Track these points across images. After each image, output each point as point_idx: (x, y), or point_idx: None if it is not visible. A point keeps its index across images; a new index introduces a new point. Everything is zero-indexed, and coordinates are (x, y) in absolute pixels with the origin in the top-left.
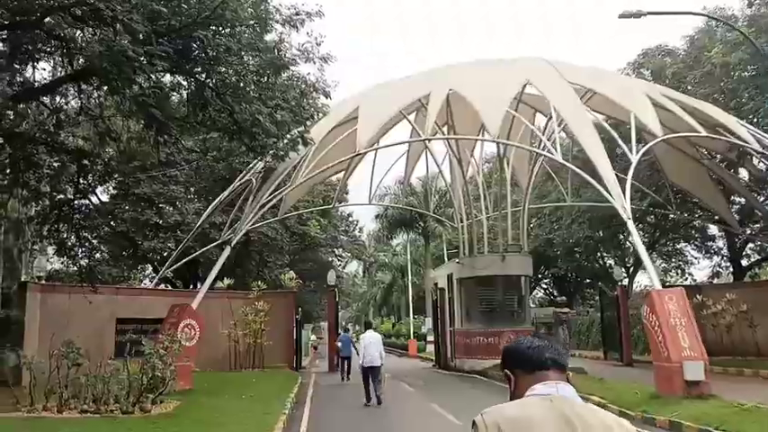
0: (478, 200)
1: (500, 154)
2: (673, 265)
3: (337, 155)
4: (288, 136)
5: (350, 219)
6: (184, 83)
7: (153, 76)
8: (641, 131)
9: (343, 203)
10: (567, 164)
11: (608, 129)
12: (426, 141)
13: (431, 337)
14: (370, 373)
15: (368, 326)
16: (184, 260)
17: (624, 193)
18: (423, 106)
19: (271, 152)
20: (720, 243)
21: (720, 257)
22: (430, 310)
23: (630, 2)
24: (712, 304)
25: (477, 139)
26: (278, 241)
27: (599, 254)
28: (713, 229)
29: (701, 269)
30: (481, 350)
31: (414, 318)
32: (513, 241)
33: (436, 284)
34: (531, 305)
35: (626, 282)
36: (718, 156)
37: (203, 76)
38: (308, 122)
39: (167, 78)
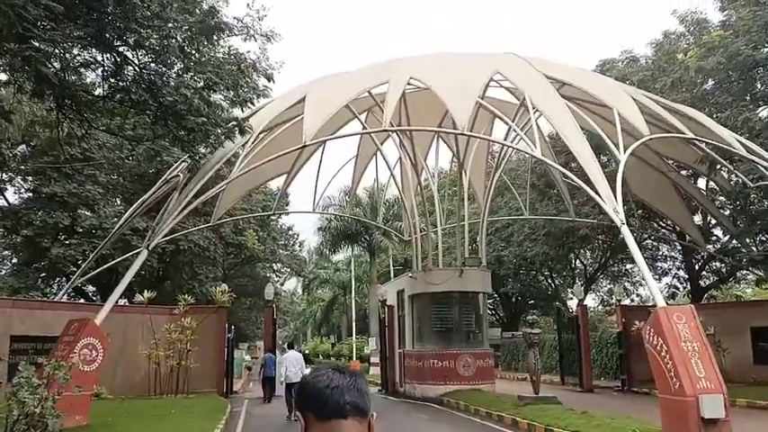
0: (432, 211)
1: (460, 156)
2: (619, 286)
3: (279, 151)
4: (222, 123)
5: (290, 232)
6: (99, 58)
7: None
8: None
9: (284, 211)
10: (547, 160)
11: (592, 124)
12: (378, 142)
13: (375, 359)
14: (292, 388)
15: (290, 346)
16: (99, 269)
17: (615, 195)
18: (377, 104)
19: (201, 143)
20: (671, 263)
21: (672, 277)
22: (375, 330)
23: (594, 11)
24: None
25: (445, 132)
26: (211, 252)
27: (548, 273)
28: (663, 249)
29: (647, 290)
30: (435, 375)
31: (357, 338)
32: (471, 254)
33: (384, 301)
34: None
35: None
36: (683, 170)
37: (123, 48)
38: (248, 107)
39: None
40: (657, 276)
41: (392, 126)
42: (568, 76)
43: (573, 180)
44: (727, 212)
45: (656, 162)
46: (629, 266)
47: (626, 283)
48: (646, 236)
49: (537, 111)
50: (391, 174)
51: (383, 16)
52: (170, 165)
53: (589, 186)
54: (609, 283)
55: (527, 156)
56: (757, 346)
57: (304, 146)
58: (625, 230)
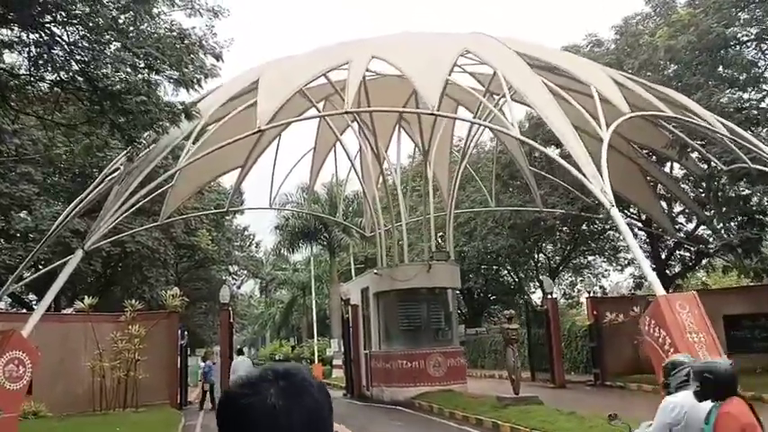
0: (396, 204)
1: (424, 145)
2: (582, 278)
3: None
4: (166, 106)
5: (245, 233)
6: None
7: None
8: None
9: (239, 208)
10: (528, 140)
11: (571, 101)
12: (338, 132)
13: (338, 361)
14: None
15: (239, 352)
16: (35, 275)
17: (601, 175)
18: (336, 91)
19: (143, 129)
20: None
21: (636, 267)
22: (337, 331)
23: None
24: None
25: (412, 112)
26: (161, 254)
27: (510, 268)
28: (623, 241)
29: (610, 282)
30: (404, 376)
31: (318, 340)
32: (437, 248)
33: (347, 301)
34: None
35: (538, 297)
36: (653, 155)
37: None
38: (195, 90)
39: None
40: (620, 267)
41: (355, 108)
42: (541, 53)
43: (555, 160)
44: (693, 198)
45: (625, 148)
46: (590, 258)
47: (588, 276)
48: (608, 226)
49: (511, 88)
50: (352, 164)
51: (367, 11)
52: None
53: (558, 171)
54: (570, 276)
55: (490, 146)
56: (730, 335)
57: (259, 131)
58: (615, 213)
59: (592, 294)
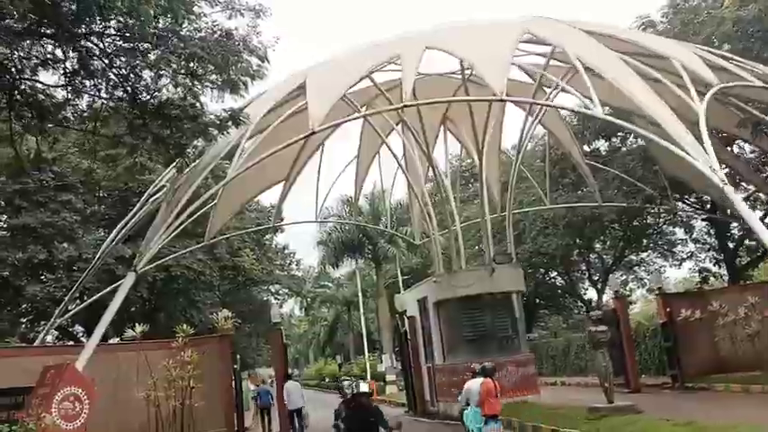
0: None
1: (479, 141)
2: (635, 275)
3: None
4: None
5: (285, 251)
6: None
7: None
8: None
9: (285, 223)
10: (618, 120)
11: (653, 73)
12: (383, 135)
13: (390, 377)
14: (296, 413)
15: (288, 377)
16: (82, 305)
17: (706, 151)
18: (381, 93)
19: (190, 140)
20: (694, 246)
21: (696, 262)
22: (387, 346)
23: None
24: (728, 311)
25: (480, 101)
26: (206, 276)
27: (562, 270)
28: (679, 234)
29: (665, 278)
30: None
31: (369, 356)
32: (500, 251)
33: (403, 313)
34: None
35: (595, 297)
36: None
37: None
38: (240, 95)
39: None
40: (677, 263)
41: (414, 98)
42: (609, 31)
43: (650, 138)
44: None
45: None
46: (643, 255)
47: (642, 272)
48: (661, 220)
49: (582, 64)
50: (399, 165)
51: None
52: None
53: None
54: (622, 274)
55: (531, 146)
56: None
57: (312, 133)
58: (729, 191)
59: (662, 291)
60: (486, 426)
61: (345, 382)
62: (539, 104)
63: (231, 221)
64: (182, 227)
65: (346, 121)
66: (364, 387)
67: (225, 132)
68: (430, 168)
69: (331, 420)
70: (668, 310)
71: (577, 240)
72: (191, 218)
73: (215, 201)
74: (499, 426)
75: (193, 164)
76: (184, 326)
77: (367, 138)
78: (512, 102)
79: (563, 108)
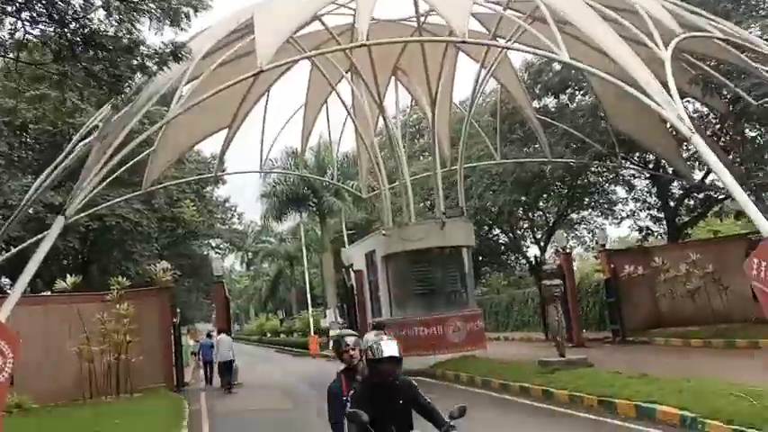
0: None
1: (432, 92)
2: (575, 233)
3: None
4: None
5: (227, 204)
6: None
7: None
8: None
9: (228, 173)
10: (583, 65)
11: (619, 19)
12: (333, 82)
13: (334, 332)
14: (225, 365)
15: (221, 331)
16: (7, 255)
17: (673, 99)
18: (333, 37)
19: (128, 75)
20: (631, 205)
21: (634, 220)
22: (332, 301)
23: None
24: (669, 268)
25: (440, 41)
26: (144, 227)
27: (506, 227)
28: (620, 193)
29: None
30: (422, 344)
31: (313, 311)
32: (450, 205)
33: (350, 267)
34: None
35: (537, 254)
36: None
37: None
38: (181, 28)
39: None
40: (617, 221)
41: (368, 40)
42: None
43: (618, 85)
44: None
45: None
46: (584, 213)
47: (583, 231)
48: (603, 179)
49: (546, 6)
50: (348, 114)
51: None
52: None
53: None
54: (562, 233)
55: (487, 100)
56: None
57: (260, 72)
58: (697, 140)
59: (607, 247)
60: None
61: (350, 339)
62: (500, 47)
63: (170, 170)
64: (116, 174)
65: (296, 61)
66: (392, 348)
67: (164, 68)
68: (380, 119)
69: (272, 378)
70: (612, 266)
71: (525, 197)
72: (126, 163)
73: (153, 147)
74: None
75: (129, 104)
76: (120, 278)
77: (315, 86)
78: (473, 44)
79: (527, 51)
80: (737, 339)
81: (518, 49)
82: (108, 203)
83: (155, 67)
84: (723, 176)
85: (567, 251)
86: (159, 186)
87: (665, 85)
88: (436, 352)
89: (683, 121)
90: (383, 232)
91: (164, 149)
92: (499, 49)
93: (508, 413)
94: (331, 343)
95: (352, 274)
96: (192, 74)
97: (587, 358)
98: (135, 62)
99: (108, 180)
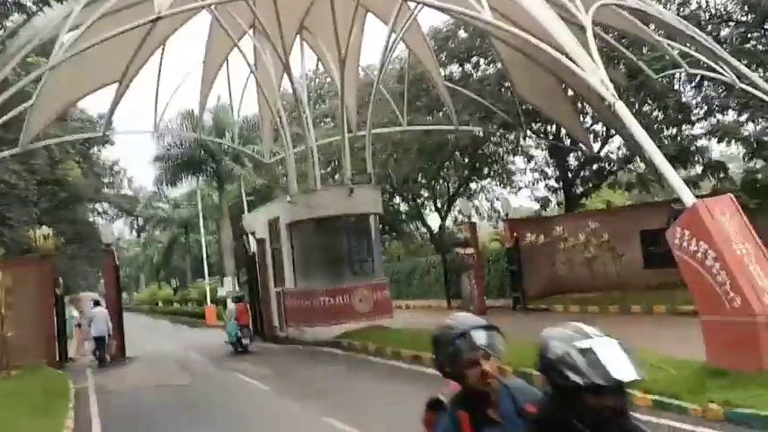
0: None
1: (340, 53)
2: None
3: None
4: None
5: (115, 168)
6: None
7: None
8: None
9: (119, 132)
10: (506, 26)
11: None
12: (235, 38)
13: (232, 303)
14: (99, 341)
15: (96, 303)
16: None
17: (596, 64)
18: None
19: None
20: (529, 176)
21: (531, 190)
22: (230, 269)
23: None
24: (568, 236)
25: None
26: (20, 190)
27: (407, 195)
28: (519, 163)
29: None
30: (327, 314)
31: (210, 280)
32: (356, 171)
33: (251, 234)
34: None
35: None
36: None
37: None
38: None
39: None
40: (515, 191)
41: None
42: None
43: (541, 47)
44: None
45: (547, 59)
46: (483, 183)
47: (483, 200)
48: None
49: None
50: (251, 70)
51: None
52: None
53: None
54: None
55: (392, 66)
56: (648, 250)
57: (158, 17)
58: (620, 107)
59: (508, 217)
60: (241, 331)
61: (479, 334)
62: (417, 1)
63: (52, 129)
64: None
65: (196, 8)
66: (623, 363)
67: (44, 8)
68: (283, 82)
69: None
70: (515, 234)
71: (428, 165)
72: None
73: (31, 102)
74: (248, 330)
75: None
76: None
77: (215, 42)
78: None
79: (446, 8)
80: (632, 305)
81: (437, 7)
82: None
83: (33, 6)
84: (647, 145)
85: (473, 220)
86: (38, 144)
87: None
88: (342, 322)
89: (608, 87)
90: (288, 198)
91: (44, 104)
92: (409, 12)
93: (423, 384)
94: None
95: (254, 241)
96: (78, 20)
97: (497, 327)
98: None
99: None
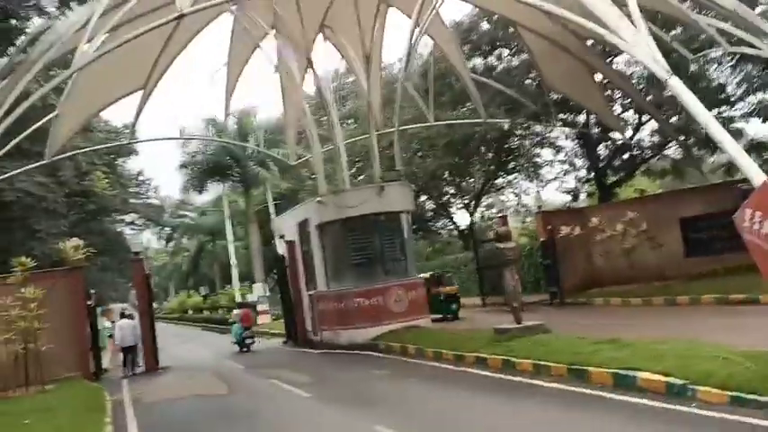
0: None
1: (365, 50)
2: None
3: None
4: None
5: (140, 177)
6: None
7: None
8: None
9: (143, 140)
10: (544, 4)
11: None
12: (258, 38)
13: (263, 306)
14: (129, 350)
15: (122, 315)
16: None
17: (642, 34)
18: None
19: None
20: (557, 168)
21: (560, 182)
22: (259, 274)
23: None
24: (605, 227)
25: None
26: (49, 202)
27: (434, 193)
28: (546, 154)
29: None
30: (363, 316)
31: (240, 285)
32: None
33: (280, 238)
34: None
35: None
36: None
37: None
38: None
39: None
40: (543, 185)
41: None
42: None
43: (586, 26)
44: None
45: (575, 46)
46: (510, 178)
47: (510, 194)
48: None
49: None
50: (276, 70)
51: None
52: None
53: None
54: (488, 198)
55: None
56: (688, 238)
57: (181, 15)
58: (675, 82)
59: (542, 209)
60: (244, 332)
61: None
62: None
63: (77, 140)
64: (13, 142)
65: (219, 4)
66: None
67: (65, 11)
68: (305, 82)
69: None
70: (549, 227)
71: (456, 160)
72: (23, 131)
73: (55, 112)
74: (250, 332)
75: (22, 55)
76: (24, 258)
77: (237, 44)
78: None
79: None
80: (677, 297)
81: None
82: (5, 176)
83: (54, 10)
84: (707, 121)
85: (505, 215)
86: (64, 156)
87: None
88: (378, 324)
89: (659, 62)
90: (318, 199)
91: (68, 114)
92: (432, 4)
93: (471, 388)
94: None
95: (284, 245)
96: (97, 27)
97: (544, 324)
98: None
99: (3, 150)
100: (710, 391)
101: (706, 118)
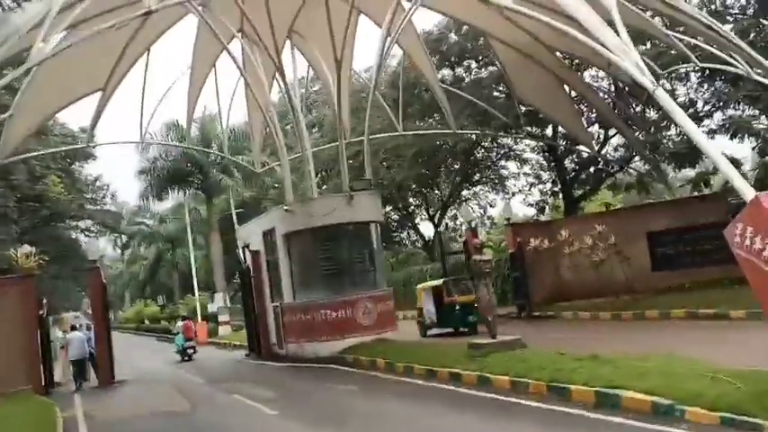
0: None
1: (336, 55)
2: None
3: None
4: None
5: (97, 183)
6: None
7: None
8: None
9: (102, 143)
10: (526, 10)
11: None
12: (224, 41)
13: (223, 317)
14: (79, 364)
15: (73, 328)
16: None
17: (626, 44)
18: None
19: None
20: (523, 180)
21: (524, 195)
22: (219, 284)
23: None
24: (573, 240)
25: None
26: (0, 206)
27: (399, 204)
28: (511, 167)
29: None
30: (330, 329)
31: (200, 295)
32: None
33: (246, 247)
34: None
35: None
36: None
37: None
38: None
39: None
40: (508, 197)
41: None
42: None
43: (571, 33)
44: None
45: (547, 59)
46: (475, 189)
47: (475, 206)
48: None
49: None
50: (242, 73)
51: None
52: None
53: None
54: (452, 209)
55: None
56: (655, 252)
57: (149, 12)
58: (660, 93)
59: (511, 221)
60: (186, 343)
61: None
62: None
63: (30, 144)
64: None
65: (185, 1)
66: None
67: (22, 3)
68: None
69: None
70: (518, 240)
71: (424, 171)
72: None
73: (9, 112)
74: (191, 343)
75: None
76: None
77: (202, 46)
78: None
79: None
80: (646, 311)
81: None
82: None
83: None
84: (691, 131)
85: (474, 226)
86: (17, 158)
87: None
88: (346, 337)
89: (643, 71)
90: (285, 208)
91: (23, 114)
92: (405, 12)
93: (444, 405)
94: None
95: (248, 254)
96: (56, 23)
97: (521, 338)
98: None
99: None
100: (700, 411)
101: (693, 130)
